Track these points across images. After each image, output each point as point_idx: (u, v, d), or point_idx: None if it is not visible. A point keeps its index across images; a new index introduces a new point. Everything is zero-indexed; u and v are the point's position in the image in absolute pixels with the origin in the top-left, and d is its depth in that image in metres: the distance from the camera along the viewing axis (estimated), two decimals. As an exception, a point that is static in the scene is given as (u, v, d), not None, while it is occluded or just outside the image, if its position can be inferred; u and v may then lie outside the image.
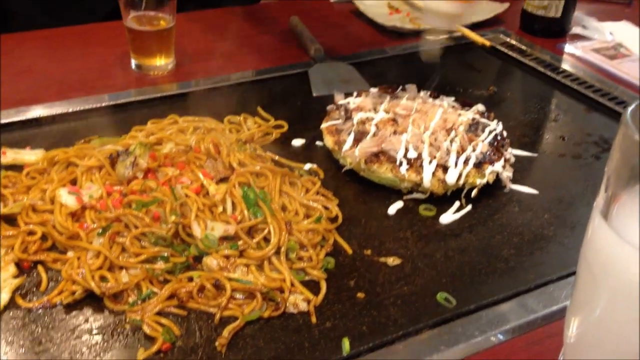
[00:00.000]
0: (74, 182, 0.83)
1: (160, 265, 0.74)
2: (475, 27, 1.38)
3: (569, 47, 1.35)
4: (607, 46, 1.35)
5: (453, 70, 1.28)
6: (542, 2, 1.35)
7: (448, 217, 0.87)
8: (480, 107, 1.03)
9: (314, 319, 0.70)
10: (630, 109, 0.50)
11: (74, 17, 1.49)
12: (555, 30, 1.38)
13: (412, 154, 0.89)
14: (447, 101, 1.04)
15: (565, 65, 1.26)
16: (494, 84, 1.22)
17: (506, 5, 1.45)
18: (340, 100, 1.03)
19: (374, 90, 1.07)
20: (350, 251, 0.80)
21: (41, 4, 1.58)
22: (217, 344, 0.67)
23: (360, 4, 1.45)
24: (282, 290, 0.72)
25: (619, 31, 1.41)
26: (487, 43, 1.30)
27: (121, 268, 0.73)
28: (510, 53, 1.31)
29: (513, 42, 1.35)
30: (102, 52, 1.23)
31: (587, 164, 1.00)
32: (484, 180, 0.89)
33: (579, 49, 1.34)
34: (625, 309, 0.53)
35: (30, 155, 0.89)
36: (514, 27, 1.43)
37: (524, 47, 1.33)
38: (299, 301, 0.72)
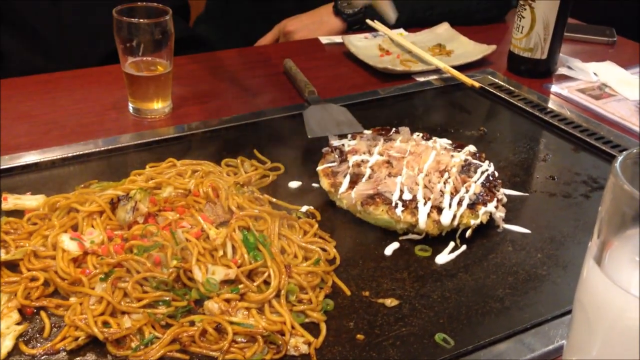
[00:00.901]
0: (75, 227, 0.84)
1: (162, 309, 0.74)
2: (464, 68, 1.42)
3: (555, 88, 1.39)
4: (592, 86, 1.39)
5: (443, 111, 1.31)
6: (528, 44, 1.39)
7: (443, 258, 0.88)
8: (472, 148, 1.06)
9: (314, 362, 0.71)
10: (619, 159, 0.53)
11: (70, 59, 1.52)
12: (541, 71, 1.42)
13: (407, 196, 0.91)
14: (440, 142, 1.07)
15: (552, 105, 1.30)
16: (484, 124, 1.25)
17: (493, 47, 1.50)
18: (334, 142, 1.05)
19: (367, 132, 1.09)
20: (348, 293, 0.81)
21: (37, 46, 1.61)
22: (219, 388, 0.67)
23: (351, 46, 1.49)
24: (282, 333, 0.73)
25: (603, 71, 1.45)
26: (476, 84, 1.34)
27: (123, 313, 0.74)
28: (498, 93, 1.35)
29: (501, 82, 1.39)
30: (100, 96, 1.26)
31: (577, 203, 1.02)
32: (478, 221, 0.91)
33: (565, 89, 1.38)
34: (621, 351, 0.54)
35: (31, 201, 0.91)
36: (501, 68, 1.47)
37: (511, 88, 1.37)
38: (299, 344, 0.73)
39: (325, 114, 1.21)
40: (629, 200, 0.51)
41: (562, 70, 1.46)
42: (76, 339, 0.71)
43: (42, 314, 0.74)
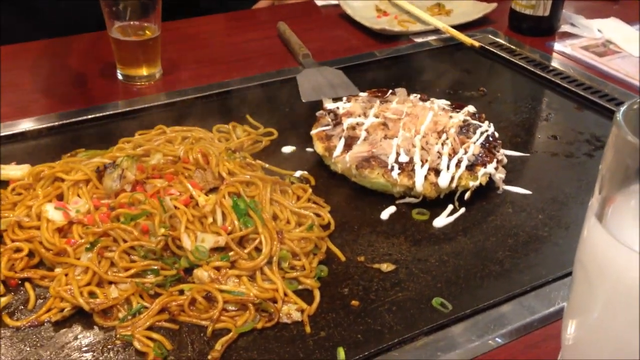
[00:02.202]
0: (60, 197, 0.82)
1: (150, 279, 0.72)
2: (463, 27, 1.38)
3: (558, 45, 1.35)
4: (596, 43, 1.35)
5: (442, 72, 1.27)
6: (530, 1, 1.34)
7: (441, 221, 0.86)
8: (471, 108, 1.02)
9: (308, 329, 0.69)
10: (622, 109, 0.49)
11: (57, 28, 1.48)
12: (543, 29, 1.38)
13: (403, 158, 0.88)
14: (438, 103, 1.03)
15: (555, 64, 1.26)
16: (484, 84, 1.21)
17: (494, 5, 1.45)
18: (329, 105, 1.02)
19: (363, 94, 1.06)
20: (343, 258, 0.79)
21: (24, 15, 1.57)
22: (210, 357, 0.65)
23: (348, 7, 1.44)
24: (275, 301, 0.71)
25: (607, 28, 1.40)
26: (476, 44, 1.30)
27: (110, 283, 0.72)
28: (499, 53, 1.31)
29: (502, 41, 1.35)
30: (87, 63, 1.22)
31: (580, 163, 0.99)
32: (477, 183, 0.88)
33: (568, 47, 1.33)
34: (622, 311, 0.52)
35: (15, 171, 0.88)
36: (502, 27, 1.42)
37: (513, 47, 1.32)
38: (292, 311, 0.71)
39: (319, 77, 1.18)
40: (632, 152, 0.47)
41: (565, 28, 1.41)
42: (62, 310, 0.69)
43: (27, 285, 0.73)
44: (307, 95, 1.12)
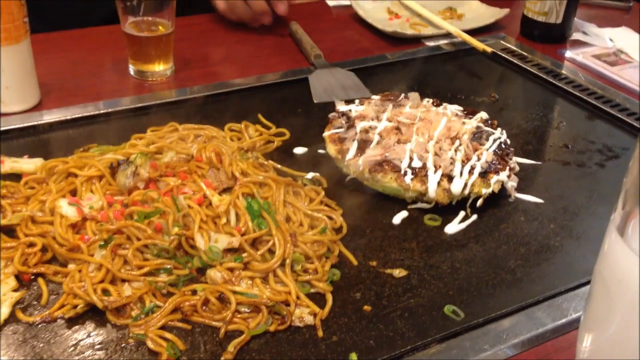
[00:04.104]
0: (73, 192, 0.82)
1: (163, 277, 0.72)
2: (475, 32, 1.38)
3: (569, 53, 1.35)
4: (607, 52, 1.35)
5: (454, 76, 1.27)
6: (543, 8, 1.34)
7: (453, 227, 0.86)
8: (484, 114, 1.02)
9: (320, 333, 0.69)
10: (649, 124, 0.49)
11: (71, 20, 1.47)
12: (555, 36, 1.38)
13: (416, 163, 0.88)
14: (451, 108, 1.03)
15: (566, 72, 1.26)
16: (496, 90, 1.21)
17: (506, 10, 1.45)
18: (341, 107, 1.02)
19: (375, 97, 1.06)
20: (355, 263, 0.79)
21: (36, 7, 1.57)
22: (222, 359, 0.65)
23: (359, 9, 1.44)
24: (287, 304, 0.71)
25: (619, 37, 1.40)
26: (488, 49, 1.30)
27: (123, 281, 0.72)
28: (511, 59, 1.31)
29: (514, 47, 1.35)
30: (100, 57, 1.22)
31: (592, 173, 0.99)
32: (490, 190, 0.88)
33: (580, 55, 1.33)
34: (642, 325, 0.52)
35: (28, 164, 0.88)
36: (514, 33, 1.42)
37: (524, 53, 1.32)
38: (304, 314, 0.71)
39: (331, 78, 1.17)
40: (658, 169, 0.48)
41: (576, 36, 1.41)
42: (75, 307, 0.69)
43: (40, 280, 0.72)
44: (319, 97, 1.12)
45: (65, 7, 1.53)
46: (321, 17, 1.48)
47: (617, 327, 0.54)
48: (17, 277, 0.72)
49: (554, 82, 1.23)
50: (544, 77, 1.24)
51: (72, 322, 0.68)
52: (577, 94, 1.19)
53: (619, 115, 1.11)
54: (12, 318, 0.68)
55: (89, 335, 0.67)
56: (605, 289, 0.55)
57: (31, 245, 0.75)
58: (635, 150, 0.50)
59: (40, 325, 0.68)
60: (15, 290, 0.71)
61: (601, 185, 0.96)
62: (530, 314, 0.73)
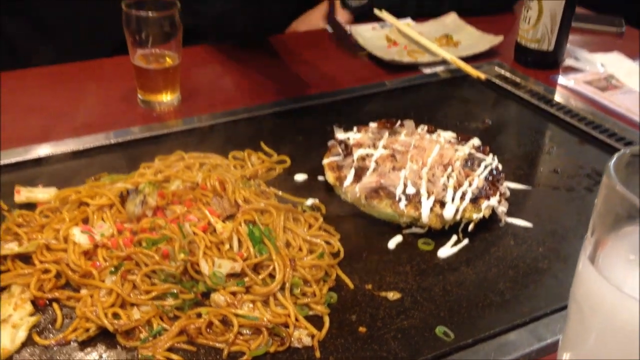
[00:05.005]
0: (86, 220, 0.87)
1: (169, 301, 0.77)
2: (471, 59, 1.42)
3: (561, 79, 1.39)
4: (598, 78, 1.39)
5: (449, 102, 1.32)
6: (535, 35, 1.39)
7: (446, 251, 0.90)
8: (476, 141, 1.07)
9: (317, 354, 0.73)
10: (613, 159, 0.54)
11: (80, 51, 1.53)
12: (548, 63, 1.42)
13: (410, 190, 0.93)
14: (444, 135, 1.08)
15: (558, 98, 1.31)
16: (489, 116, 1.26)
17: (500, 38, 1.50)
18: (340, 135, 1.07)
19: (372, 125, 1.11)
20: (352, 286, 0.83)
21: (47, 38, 1.63)
22: (225, 379, 0.70)
23: (359, 37, 1.49)
24: (287, 326, 0.75)
25: (610, 63, 1.45)
26: (482, 76, 1.35)
27: (132, 305, 0.76)
28: (504, 85, 1.35)
29: (507, 74, 1.39)
30: (109, 87, 1.27)
31: (580, 197, 1.03)
32: (480, 215, 0.93)
33: (572, 81, 1.38)
34: (614, 348, 0.56)
35: (43, 194, 0.93)
36: (508, 59, 1.47)
37: (518, 79, 1.37)
38: (303, 336, 0.75)
39: None
40: (621, 201, 0.52)
41: (569, 62, 1.46)
42: (87, 330, 0.73)
43: (55, 305, 0.77)
44: None
45: (79, 37, 1.59)
46: (322, 44, 1.53)
47: (591, 347, 0.58)
48: (33, 302, 0.77)
49: (546, 108, 1.27)
50: (536, 103, 1.29)
51: (85, 344, 0.73)
52: (568, 119, 1.23)
53: (608, 141, 1.16)
54: (29, 341, 0.73)
55: (100, 357, 0.72)
56: (579, 311, 0.59)
57: (46, 271, 0.80)
58: (602, 181, 0.54)
59: (55, 348, 0.72)
60: (31, 315, 0.75)
61: (589, 209, 0.97)
62: (518, 334, 0.77)
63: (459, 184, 0.94)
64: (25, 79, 1.29)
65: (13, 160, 1.02)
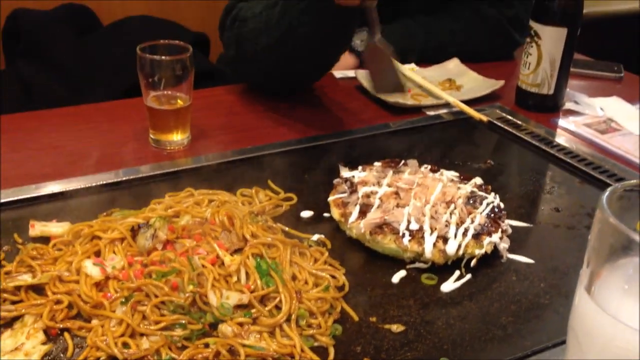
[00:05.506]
0: (98, 253, 0.89)
1: (178, 332, 0.78)
2: (473, 102, 1.46)
3: (562, 122, 1.43)
4: (598, 121, 1.43)
5: (452, 143, 1.35)
6: (535, 80, 1.43)
7: (449, 286, 0.92)
8: (478, 180, 1.10)
9: (323, 384, 0.75)
10: (606, 193, 0.57)
11: (94, 92, 1.59)
12: (548, 106, 1.46)
13: (414, 226, 0.95)
14: (447, 175, 1.11)
15: (559, 140, 1.34)
16: (491, 157, 1.29)
17: (502, 82, 1.54)
18: (345, 174, 1.10)
19: (377, 164, 1.14)
20: (356, 318, 0.85)
21: (62, 79, 1.69)
22: (232, 408, 0.71)
23: (364, 80, 1.54)
24: (292, 356, 0.77)
25: (610, 106, 1.49)
26: (485, 118, 1.38)
27: (142, 335, 0.78)
28: (506, 127, 1.39)
29: (509, 117, 1.43)
30: (122, 128, 1.31)
31: (581, 235, 1.05)
32: (482, 251, 0.95)
33: (572, 124, 1.41)
34: (611, 375, 0.57)
35: (57, 228, 0.96)
36: (509, 103, 1.51)
37: (519, 122, 1.41)
38: (308, 367, 0.76)
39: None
40: (614, 233, 0.54)
41: (569, 105, 1.49)
42: (97, 359, 0.75)
43: (66, 335, 0.79)
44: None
45: (92, 78, 1.65)
46: (328, 88, 1.58)
47: (590, 376, 0.60)
48: (45, 331, 0.79)
49: (547, 149, 1.30)
50: (538, 144, 1.32)
51: (95, 373, 0.75)
52: (569, 160, 1.26)
53: (608, 181, 1.18)
54: (40, 369, 0.75)
55: (110, 385, 0.73)
56: (577, 342, 0.61)
57: (58, 302, 0.82)
58: (596, 214, 0.57)
59: (65, 376, 0.74)
60: (43, 344, 0.77)
61: None
62: (519, 367, 0.78)
63: (462, 221, 0.97)
64: (41, 119, 1.33)
65: (28, 195, 1.06)
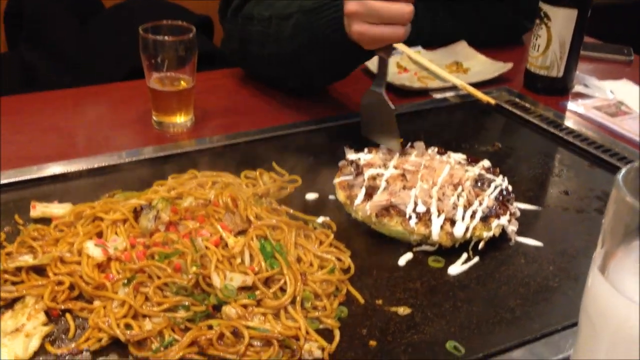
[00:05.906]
0: (99, 234, 0.88)
1: (181, 313, 0.77)
2: (480, 85, 1.44)
3: (571, 105, 1.40)
4: (608, 104, 1.41)
5: (459, 126, 1.33)
6: (544, 62, 1.41)
7: (456, 269, 0.90)
8: (486, 162, 1.08)
9: (328, 367, 0.73)
10: (622, 172, 0.55)
11: (97, 75, 1.57)
12: (557, 89, 1.44)
13: (421, 208, 0.93)
14: (455, 157, 1.09)
15: (568, 123, 1.32)
16: (499, 140, 1.27)
17: (510, 65, 1.52)
18: (351, 156, 1.08)
19: (383, 146, 1.12)
20: (362, 301, 0.83)
21: (65, 64, 1.67)
22: (235, 390, 0.70)
23: (370, 64, 1.52)
24: (297, 338, 0.76)
25: (619, 89, 1.46)
26: (492, 101, 1.36)
27: (145, 316, 0.77)
28: (514, 110, 1.37)
29: (517, 100, 1.41)
30: (125, 110, 1.30)
31: (590, 218, 1.03)
32: (491, 234, 0.93)
33: (581, 107, 1.39)
34: (624, 356, 0.56)
35: (58, 209, 0.94)
36: (518, 86, 1.49)
37: (527, 105, 1.38)
38: (313, 349, 0.75)
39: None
40: (630, 212, 0.52)
41: (578, 88, 1.47)
42: (99, 340, 0.74)
43: (68, 316, 0.78)
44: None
45: (94, 63, 1.63)
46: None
47: (603, 358, 0.58)
48: (47, 312, 0.78)
49: (555, 132, 1.28)
50: (546, 127, 1.30)
51: (97, 354, 0.73)
52: (578, 143, 1.24)
53: (618, 164, 1.16)
54: (41, 350, 0.73)
55: (112, 367, 0.72)
56: (590, 323, 0.59)
57: (60, 283, 0.81)
58: (612, 193, 0.55)
59: (67, 357, 0.73)
60: (44, 325, 0.76)
61: (598, 230, 0.98)
62: (528, 350, 0.77)
63: (469, 203, 0.95)
64: (44, 101, 1.31)
65: (30, 177, 1.04)
